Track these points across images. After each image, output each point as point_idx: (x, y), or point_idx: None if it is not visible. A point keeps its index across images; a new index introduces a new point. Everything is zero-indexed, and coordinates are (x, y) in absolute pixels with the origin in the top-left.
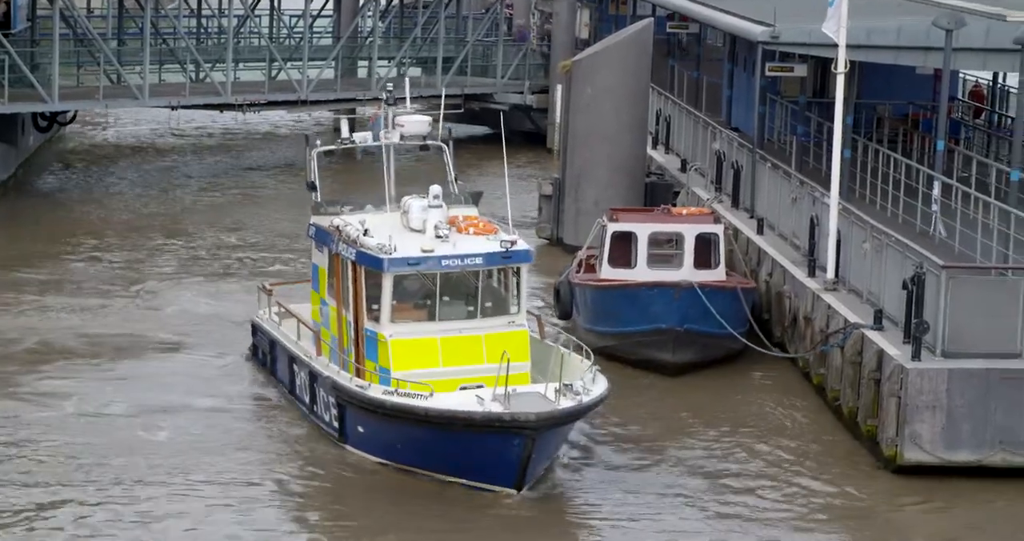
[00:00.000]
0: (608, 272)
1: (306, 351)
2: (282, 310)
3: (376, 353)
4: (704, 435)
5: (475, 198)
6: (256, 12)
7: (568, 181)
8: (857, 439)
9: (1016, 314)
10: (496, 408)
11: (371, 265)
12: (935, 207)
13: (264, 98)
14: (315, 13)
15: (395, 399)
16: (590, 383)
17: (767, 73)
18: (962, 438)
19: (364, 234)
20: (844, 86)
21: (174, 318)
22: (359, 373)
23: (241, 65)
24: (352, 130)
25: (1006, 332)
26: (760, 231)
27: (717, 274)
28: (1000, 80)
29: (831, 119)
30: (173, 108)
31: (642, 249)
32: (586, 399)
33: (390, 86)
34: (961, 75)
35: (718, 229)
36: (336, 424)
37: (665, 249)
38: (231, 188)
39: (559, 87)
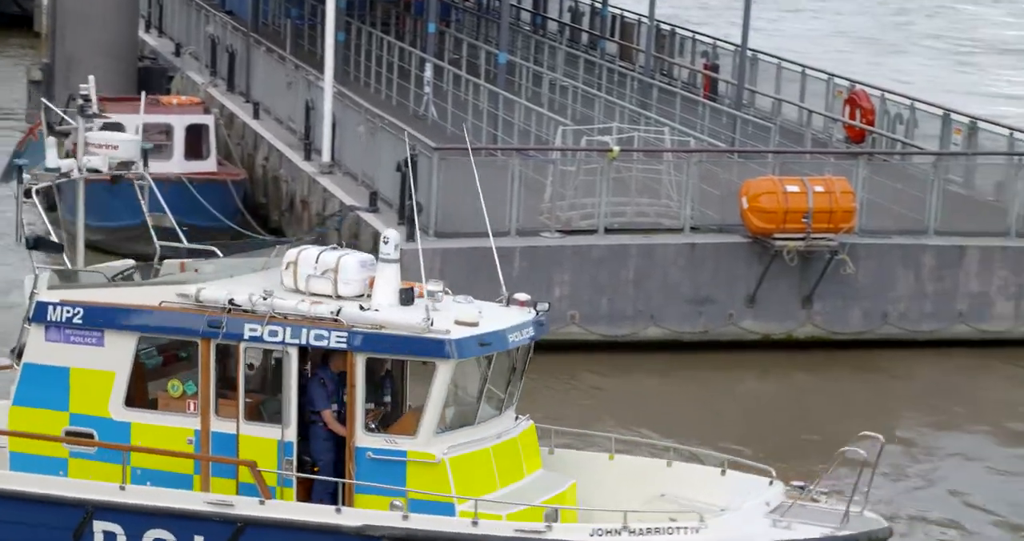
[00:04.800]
0: None
1: (146, 492)
2: None
3: (402, 478)
4: None
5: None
6: None
7: (58, 66)
8: None
9: (506, 193)
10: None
11: (420, 353)
12: (427, 89)
13: None
14: None
15: None
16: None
17: None
18: None
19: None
20: None
21: None
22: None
23: None
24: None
25: (497, 211)
26: (256, 116)
27: (208, 165)
28: None
29: (324, 2)
30: None
31: None
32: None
33: (84, 87)
34: None
35: (208, 119)
36: None
37: (155, 140)
38: None
39: None
